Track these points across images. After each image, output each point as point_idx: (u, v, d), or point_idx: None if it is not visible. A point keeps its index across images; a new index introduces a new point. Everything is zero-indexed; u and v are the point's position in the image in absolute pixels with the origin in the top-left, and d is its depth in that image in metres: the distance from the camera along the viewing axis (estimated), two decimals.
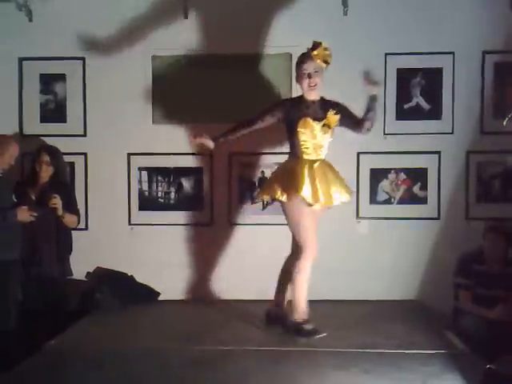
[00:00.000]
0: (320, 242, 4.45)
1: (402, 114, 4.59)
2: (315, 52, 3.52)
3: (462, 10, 4.53)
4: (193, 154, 4.64)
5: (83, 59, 4.64)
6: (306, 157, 3.59)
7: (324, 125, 3.55)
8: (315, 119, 3.56)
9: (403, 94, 4.58)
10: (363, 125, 3.61)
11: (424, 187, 4.59)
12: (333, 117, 3.56)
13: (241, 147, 4.58)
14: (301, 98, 3.64)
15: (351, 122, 3.66)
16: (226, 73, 4.60)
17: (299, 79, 3.61)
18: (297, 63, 3.64)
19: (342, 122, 3.64)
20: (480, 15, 4.50)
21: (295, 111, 3.57)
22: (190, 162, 4.66)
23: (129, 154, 4.67)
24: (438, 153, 4.57)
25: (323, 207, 3.63)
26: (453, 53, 4.54)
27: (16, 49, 4.62)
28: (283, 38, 4.54)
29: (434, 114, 4.57)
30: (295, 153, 3.63)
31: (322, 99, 3.65)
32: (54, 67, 4.65)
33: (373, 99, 3.59)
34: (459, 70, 4.55)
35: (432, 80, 4.57)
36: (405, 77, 4.58)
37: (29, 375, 2.94)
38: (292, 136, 3.62)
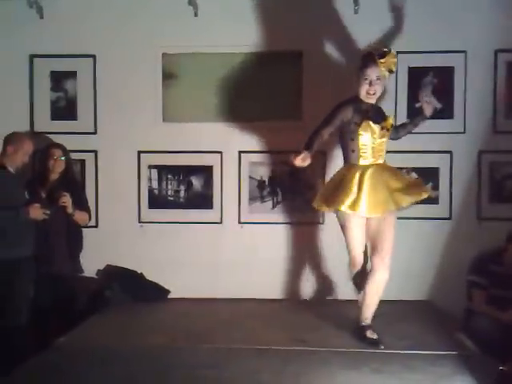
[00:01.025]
0: (329, 242, 4.49)
1: (413, 113, 4.53)
2: (382, 60, 3.38)
3: (474, 8, 4.48)
4: (203, 152, 4.63)
5: (94, 57, 4.64)
6: (362, 162, 3.46)
7: (383, 128, 3.45)
8: (375, 122, 3.44)
9: (415, 93, 4.53)
10: (399, 133, 3.74)
11: (436, 187, 4.56)
12: (390, 120, 3.50)
13: (250, 145, 4.59)
14: (359, 101, 3.48)
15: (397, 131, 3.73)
16: (236, 70, 4.60)
17: (358, 83, 3.45)
18: (360, 66, 3.46)
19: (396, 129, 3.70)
20: (492, 14, 4.46)
21: (358, 114, 3.43)
22: (199, 160, 4.65)
23: (139, 152, 4.67)
24: (450, 152, 4.54)
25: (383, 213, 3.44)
26: (465, 52, 4.50)
27: (27, 46, 4.63)
28: (294, 35, 4.52)
29: (446, 113, 4.53)
30: (352, 158, 3.49)
31: (379, 107, 3.60)
32: (64, 64, 4.66)
33: (423, 118, 3.66)
34: (471, 69, 4.51)
35: (444, 79, 4.54)
36: (416, 75, 4.54)
37: (39, 372, 2.95)
38: (350, 140, 3.47)
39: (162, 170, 4.70)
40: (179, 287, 4.55)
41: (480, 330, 3.67)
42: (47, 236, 3.95)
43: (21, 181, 3.97)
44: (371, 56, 3.42)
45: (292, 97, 4.57)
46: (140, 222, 4.70)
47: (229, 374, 2.93)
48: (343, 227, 3.53)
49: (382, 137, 3.46)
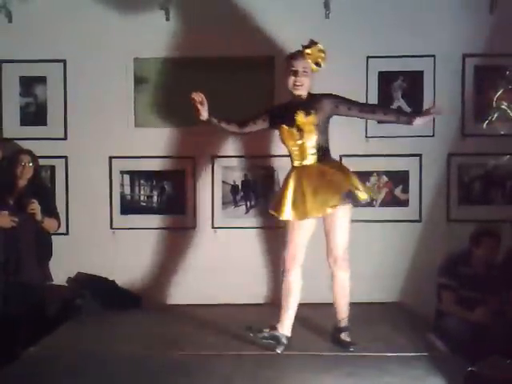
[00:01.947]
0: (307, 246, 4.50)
1: None
2: (308, 50, 3.35)
3: (443, 13, 4.56)
4: (175, 157, 4.61)
5: (64, 61, 4.59)
6: (296, 163, 3.42)
7: (298, 128, 3.32)
8: (290, 123, 3.34)
9: (385, 97, 4.60)
10: (376, 113, 3.50)
11: (405, 190, 4.62)
12: (300, 117, 3.31)
13: (223, 150, 4.59)
14: (288, 103, 3.45)
15: (359, 109, 3.45)
16: (208, 75, 4.59)
17: (285, 76, 3.39)
18: (286, 58, 3.44)
19: (342, 113, 3.43)
20: (460, 18, 4.54)
21: (277, 118, 3.43)
22: (172, 165, 4.63)
23: (110, 157, 4.63)
24: (420, 155, 4.60)
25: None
26: (434, 56, 4.57)
27: None
28: (265, 40, 4.54)
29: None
30: (291, 160, 3.48)
31: (310, 95, 3.41)
32: (34, 69, 4.61)
33: (408, 123, 3.45)
34: (440, 73, 4.58)
35: (413, 83, 4.60)
36: (386, 80, 4.60)
37: (8, 382, 2.89)
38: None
39: (134, 175, 4.67)
40: (152, 294, 4.53)
41: (450, 330, 3.73)
42: (15, 244, 3.88)
43: None
44: (298, 50, 3.40)
45: (264, 102, 4.57)
46: (112, 228, 4.66)
47: (202, 381, 2.92)
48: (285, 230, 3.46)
49: (300, 138, 3.34)
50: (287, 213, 3.32)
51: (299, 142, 3.36)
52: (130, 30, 4.56)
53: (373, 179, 4.61)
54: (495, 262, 4.03)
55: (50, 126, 4.63)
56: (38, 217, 3.93)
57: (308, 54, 3.34)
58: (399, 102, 4.60)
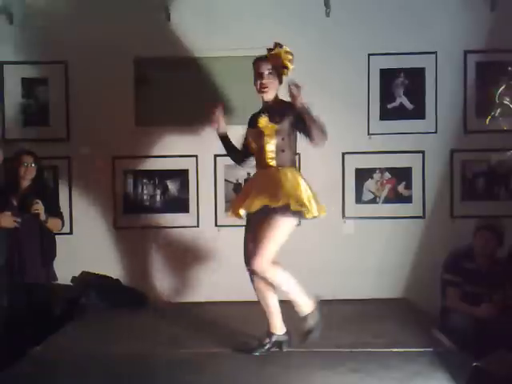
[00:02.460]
0: (306, 242, 4.52)
1: (385, 114, 4.61)
2: (272, 53, 3.28)
3: (444, 10, 4.56)
4: (178, 156, 4.62)
5: (65, 63, 4.60)
6: (258, 168, 3.39)
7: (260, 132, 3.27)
8: (253, 126, 3.34)
9: (387, 94, 4.60)
10: (313, 139, 3.25)
11: (409, 186, 4.62)
12: (262, 121, 3.27)
13: None
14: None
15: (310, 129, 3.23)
16: (208, 75, 4.60)
17: (254, 80, 3.35)
18: (252, 63, 3.38)
19: (298, 128, 3.28)
20: (462, 16, 4.55)
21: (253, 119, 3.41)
22: (175, 164, 4.64)
23: (113, 157, 4.64)
24: (422, 152, 4.60)
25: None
26: (435, 53, 4.57)
27: None
28: (265, 39, 4.51)
29: (418, 113, 4.60)
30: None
31: (276, 100, 3.35)
32: (36, 71, 4.62)
33: (303, 111, 3.19)
34: (442, 70, 4.58)
35: (415, 80, 4.60)
36: (388, 77, 4.60)
37: (14, 381, 2.90)
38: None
39: (137, 174, 4.68)
40: (156, 292, 4.54)
41: (455, 326, 3.72)
42: (19, 244, 3.90)
43: None
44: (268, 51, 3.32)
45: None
46: (116, 227, 4.66)
47: (206, 378, 2.93)
48: None
49: (261, 141, 3.28)
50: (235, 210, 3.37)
51: (259, 145, 3.31)
52: (131, 30, 4.57)
53: (376, 176, 4.62)
54: (498, 257, 4.02)
55: (53, 127, 4.64)
56: (42, 217, 3.94)
57: (272, 56, 3.29)
58: (401, 99, 4.61)
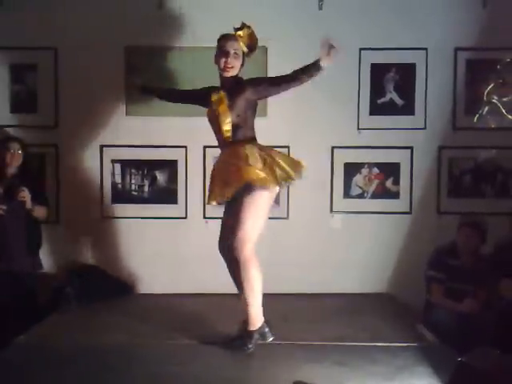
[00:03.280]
0: (293, 236, 4.53)
1: (375, 109, 4.62)
2: (240, 33, 3.31)
3: (436, 6, 4.57)
4: (167, 146, 4.60)
5: (55, 49, 4.55)
6: (220, 148, 3.44)
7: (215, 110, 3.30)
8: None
9: (377, 89, 4.61)
10: (297, 76, 3.27)
11: (396, 182, 4.64)
12: (214, 97, 3.32)
13: (215, 140, 4.57)
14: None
15: (277, 82, 3.30)
16: (200, 65, 4.57)
17: (216, 57, 3.36)
18: (218, 40, 3.39)
19: (264, 93, 3.34)
20: (453, 12, 4.56)
21: (206, 99, 3.40)
22: (164, 154, 4.62)
23: (101, 146, 4.60)
24: (411, 148, 4.62)
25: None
26: (426, 49, 4.58)
27: None
28: (258, 31, 4.50)
29: (407, 109, 4.61)
30: None
31: (237, 79, 3.37)
32: (25, 57, 4.56)
33: (319, 68, 3.24)
34: (432, 66, 4.60)
35: (405, 75, 4.61)
36: (379, 72, 4.61)
37: None
38: None
39: (126, 164, 4.65)
40: (143, 283, 4.53)
41: (439, 321, 3.76)
42: (5, 232, 3.87)
43: None
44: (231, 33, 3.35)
45: None
46: (103, 217, 4.64)
47: (193, 370, 2.93)
48: None
49: (219, 120, 3.29)
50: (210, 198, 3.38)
51: (216, 122, 3.34)
52: (121, 18, 4.53)
53: (364, 171, 4.63)
54: (482, 253, 4.07)
55: (41, 114, 4.59)
56: (28, 205, 3.91)
57: (240, 36, 3.32)
58: (391, 95, 4.62)
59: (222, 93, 3.32)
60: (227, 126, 3.30)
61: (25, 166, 4.11)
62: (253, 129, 3.41)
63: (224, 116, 3.29)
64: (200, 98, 3.53)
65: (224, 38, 3.35)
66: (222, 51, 3.32)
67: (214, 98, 3.33)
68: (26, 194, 3.88)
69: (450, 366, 2.55)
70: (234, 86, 3.33)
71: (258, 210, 3.22)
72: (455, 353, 2.91)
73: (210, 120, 3.43)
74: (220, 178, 3.31)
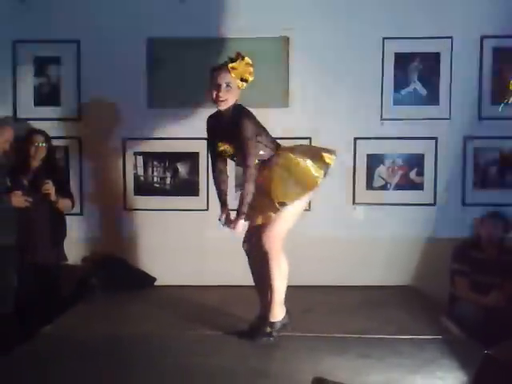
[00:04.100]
0: (316, 228, 4.50)
1: (399, 100, 4.56)
2: (234, 64, 3.11)
3: None
4: (189, 138, 4.60)
5: (78, 42, 4.57)
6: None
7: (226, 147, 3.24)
8: (222, 139, 3.23)
9: (401, 79, 4.55)
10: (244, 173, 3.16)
11: (420, 173, 4.58)
12: (222, 146, 3.24)
13: None
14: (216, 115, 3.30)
15: (243, 153, 3.16)
16: (222, 57, 4.54)
17: (209, 89, 3.18)
18: (210, 71, 3.20)
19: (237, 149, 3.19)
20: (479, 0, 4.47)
21: (212, 132, 3.33)
22: (185, 146, 4.62)
23: (124, 139, 4.62)
24: (435, 138, 4.55)
25: None
26: (451, 37, 4.50)
27: (9, 31, 4.55)
28: (281, 21, 4.49)
29: (432, 99, 4.55)
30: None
31: (234, 109, 3.21)
32: (48, 50, 4.59)
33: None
34: (457, 55, 4.52)
35: (430, 65, 4.55)
36: (402, 62, 4.54)
37: (24, 361, 2.93)
38: None
39: (148, 156, 4.67)
40: (165, 274, 4.55)
41: (464, 315, 3.73)
42: (30, 224, 3.91)
43: (3, 169, 3.91)
44: (223, 63, 3.18)
45: (279, 82, 4.55)
46: (126, 209, 4.67)
47: (217, 361, 2.93)
48: None
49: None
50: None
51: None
52: (144, 10, 4.53)
53: (387, 162, 4.58)
54: (506, 245, 4.01)
55: (64, 107, 4.62)
56: (53, 197, 3.95)
57: (233, 68, 3.12)
58: (415, 84, 4.55)
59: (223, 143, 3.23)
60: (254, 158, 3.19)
61: (49, 158, 4.14)
62: (269, 136, 3.32)
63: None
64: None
65: (216, 70, 3.16)
66: (213, 83, 3.14)
67: (222, 146, 3.24)
68: (50, 187, 3.92)
69: (476, 359, 2.51)
70: (232, 125, 3.16)
71: (293, 214, 3.25)
72: (481, 346, 2.87)
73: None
74: (270, 187, 3.19)
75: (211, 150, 3.42)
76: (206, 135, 4.49)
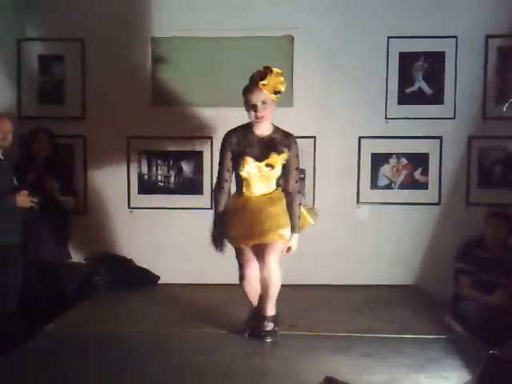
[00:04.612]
0: (320, 227, 4.48)
1: (403, 99, 4.55)
2: (264, 82, 3.08)
3: None
4: (193, 137, 4.60)
5: (82, 40, 4.58)
6: (247, 193, 3.25)
7: (267, 165, 3.18)
8: (259, 158, 3.17)
9: (405, 78, 4.54)
10: (289, 197, 3.26)
11: (425, 172, 4.58)
12: (276, 158, 3.19)
13: None
14: (250, 128, 3.23)
15: (284, 179, 3.26)
16: (226, 55, 4.56)
17: (246, 109, 3.18)
18: (243, 92, 3.17)
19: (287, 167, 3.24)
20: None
21: (240, 147, 3.20)
22: (189, 145, 4.62)
23: (128, 138, 4.63)
24: (440, 138, 4.54)
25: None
26: (456, 37, 4.49)
27: (14, 29, 4.55)
28: (285, 19, 4.49)
29: (436, 98, 4.54)
30: (238, 188, 3.30)
31: (275, 131, 3.23)
32: (52, 48, 4.61)
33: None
34: (462, 55, 4.51)
35: (434, 64, 4.54)
36: (407, 61, 4.53)
37: (28, 358, 2.93)
38: (236, 170, 3.25)
39: (152, 155, 4.68)
40: (169, 273, 4.55)
41: (468, 314, 3.71)
42: (35, 222, 3.91)
43: (9, 167, 3.89)
44: (253, 79, 3.14)
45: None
46: (129, 207, 4.67)
47: (219, 360, 2.93)
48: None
49: (269, 171, 3.20)
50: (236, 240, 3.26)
51: (263, 174, 3.21)
52: (148, 9, 4.54)
53: (392, 161, 4.57)
54: (510, 244, 3.99)
55: (68, 105, 4.63)
56: (57, 195, 3.95)
57: (264, 85, 3.09)
58: (420, 83, 4.54)
59: (282, 150, 3.20)
60: (272, 180, 3.26)
61: (53, 157, 4.15)
62: None
63: (278, 171, 3.24)
64: (228, 149, 3.24)
65: (248, 91, 3.14)
66: (248, 104, 3.15)
67: (276, 159, 3.18)
68: (54, 185, 3.93)
69: (480, 358, 2.50)
70: (281, 141, 3.22)
71: None
72: (484, 345, 2.86)
73: (245, 168, 3.20)
74: (261, 219, 3.18)
75: (227, 164, 3.26)
76: (210, 134, 4.53)
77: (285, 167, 3.26)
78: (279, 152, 3.21)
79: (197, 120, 4.59)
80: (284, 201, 3.28)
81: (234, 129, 3.28)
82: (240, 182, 3.28)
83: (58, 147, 4.31)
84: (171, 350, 3.08)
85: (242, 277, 3.30)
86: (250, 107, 3.14)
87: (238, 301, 3.91)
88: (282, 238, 3.22)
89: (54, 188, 3.95)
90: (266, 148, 3.20)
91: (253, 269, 3.26)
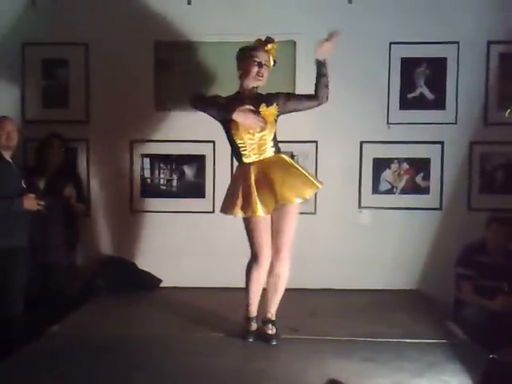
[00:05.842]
0: (321, 231, 4.51)
1: (405, 104, 4.57)
2: (269, 46, 3.35)
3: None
4: (195, 141, 4.62)
5: (86, 45, 4.61)
6: (246, 160, 3.33)
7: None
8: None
9: (407, 84, 4.56)
10: (318, 94, 3.41)
11: (427, 177, 4.59)
12: (267, 110, 3.30)
13: None
14: (236, 95, 3.38)
15: (304, 99, 3.42)
16: (229, 60, 4.57)
17: (246, 66, 3.32)
18: (244, 50, 3.38)
19: (293, 107, 3.39)
20: (485, 4, 4.48)
21: (228, 101, 3.31)
22: (192, 149, 4.64)
23: (131, 141, 4.65)
24: (442, 143, 4.56)
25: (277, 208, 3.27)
26: (457, 42, 4.51)
27: (19, 33, 4.59)
28: (287, 25, 4.51)
29: (438, 104, 4.55)
30: (237, 157, 3.41)
31: (258, 93, 3.39)
32: (56, 52, 4.62)
33: (320, 64, 3.39)
34: (464, 60, 4.53)
35: (436, 70, 4.55)
36: (409, 66, 4.55)
37: (31, 360, 2.95)
38: (229, 138, 3.38)
39: (155, 159, 4.69)
40: (171, 276, 4.57)
41: (469, 319, 3.72)
42: (42, 226, 3.93)
43: (17, 170, 3.90)
44: (260, 41, 3.38)
45: (285, 87, 4.55)
46: (132, 210, 4.69)
47: (222, 363, 2.95)
48: (246, 228, 3.38)
49: (262, 130, 3.26)
50: (259, 209, 3.23)
51: (259, 134, 3.29)
52: (151, 13, 4.56)
53: (393, 166, 4.59)
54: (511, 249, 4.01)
55: (72, 109, 4.65)
56: (73, 200, 3.99)
57: (269, 49, 3.36)
58: (422, 89, 4.56)
59: (272, 103, 3.32)
60: (269, 141, 3.33)
61: (66, 162, 4.18)
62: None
63: (272, 127, 3.32)
64: (224, 107, 3.30)
65: (256, 49, 3.34)
66: (254, 61, 3.31)
67: (264, 109, 3.29)
68: (71, 191, 3.97)
69: (481, 363, 2.52)
70: (269, 97, 3.37)
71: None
72: (486, 350, 2.87)
73: (240, 132, 3.29)
74: (283, 179, 3.25)
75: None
76: (213, 137, 4.53)
77: (287, 107, 3.37)
78: (268, 105, 3.31)
79: (199, 124, 4.60)
80: (289, 164, 3.34)
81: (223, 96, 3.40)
82: (238, 152, 3.37)
83: (70, 152, 4.35)
84: (174, 353, 3.10)
85: (253, 260, 3.35)
86: (255, 64, 3.30)
87: (241, 304, 3.93)
88: (300, 196, 3.26)
89: (72, 194, 3.99)
90: (255, 101, 3.30)
91: (265, 256, 3.31)
